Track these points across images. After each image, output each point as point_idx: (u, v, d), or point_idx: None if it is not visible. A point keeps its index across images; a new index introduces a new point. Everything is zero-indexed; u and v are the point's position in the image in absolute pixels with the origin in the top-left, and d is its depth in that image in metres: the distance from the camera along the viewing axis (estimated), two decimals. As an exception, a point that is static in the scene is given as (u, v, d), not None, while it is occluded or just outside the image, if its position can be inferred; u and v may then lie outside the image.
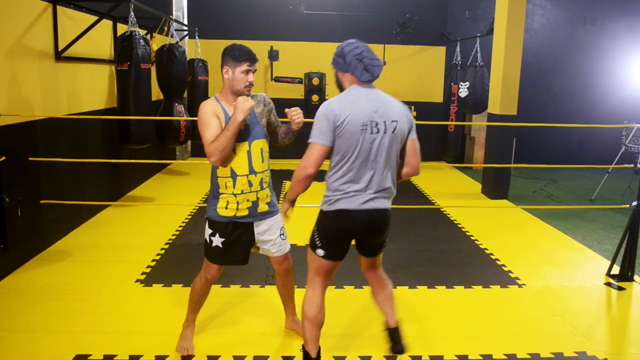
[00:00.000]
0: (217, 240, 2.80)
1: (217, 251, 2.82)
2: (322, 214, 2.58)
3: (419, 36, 9.36)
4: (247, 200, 2.77)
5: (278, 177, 8.07)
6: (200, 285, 2.94)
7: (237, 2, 9.22)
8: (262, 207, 2.83)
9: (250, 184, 2.75)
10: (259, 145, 2.78)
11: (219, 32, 9.08)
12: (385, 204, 2.54)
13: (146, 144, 5.49)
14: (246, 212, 2.78)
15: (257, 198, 2.80)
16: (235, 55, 2.65)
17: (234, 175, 2.72)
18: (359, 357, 3.00)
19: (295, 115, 2.81)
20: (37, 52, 4.48)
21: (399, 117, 2.50)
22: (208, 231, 2.83)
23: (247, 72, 2.67)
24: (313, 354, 2.65)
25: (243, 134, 2.70)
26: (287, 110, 2.83)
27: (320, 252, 2.59)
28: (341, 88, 2.60)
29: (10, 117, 4.02)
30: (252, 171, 2.74)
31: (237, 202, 2.75)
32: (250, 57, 2.67)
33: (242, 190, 2.74)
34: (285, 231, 3.03)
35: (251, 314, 3.48)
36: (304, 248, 4.74)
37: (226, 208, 2.76)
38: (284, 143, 2.99)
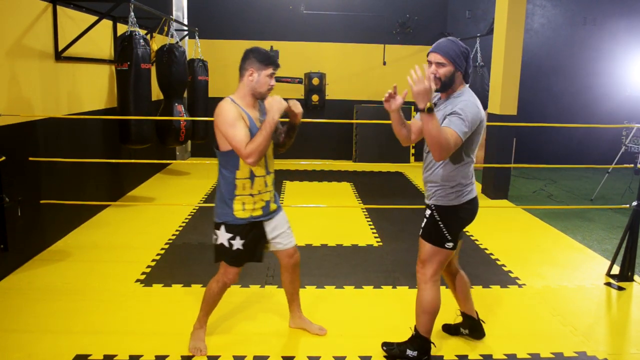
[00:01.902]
0: (238, 243, 2.80)
1: (239, 254, 2.83)
2: (453, 208, 2.72)
3: (419, 36, 9.36)
4: (262, 200, 2.82)
5: (278, 178, 8.09)
6: (217, 289, 2.94)
7: (237, 2, 9.22)
8: (272, 206, 2.90)
9: (266, 184, 2.81)
10: (271, 146, 2.84)
11: (219, 32, 9.08)
12: None
13: (146, 144, 5.49)
14: (260, 212, 2.83)
15: (270, 198, 2.86)
16: (262, 59, 2.69)
17: (252, 177, 2.74)
18: (359, 357, 2.99)
19: (292, 104, 2.78)
20: (37, 52, 4.48)
21: None
22: (226, 235, 2.80)
23: (271, 75, 2.72)
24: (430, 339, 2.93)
25: None
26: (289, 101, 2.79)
27: (450, 244, 2.75)
28: (450, 84, 2.64)
29: (10, 117, 4.02)
30: (267, 172, 2.81)
31: (254, 202, 2.78)
32: (275, 63, 2.73)
33: (259, 191, 2.78)
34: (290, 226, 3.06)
35: (251, 313, 3.48)
36: (305, 248, 4.77)
37: (243, 210, 2.77)
38: (282, 144, 2.97)
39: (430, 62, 2.65)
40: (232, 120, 2.61)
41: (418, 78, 2.39)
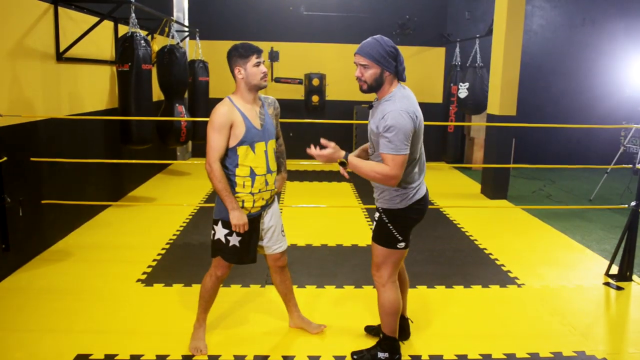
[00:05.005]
0: (235, 240, 2.83)
1: (234, 250, 2.85)
2: (400, 211, 2.69)
3: (419, 37, 9.38)
4: (262, 199, 2.85)
5: (278, 178, 8.11)
6: (211, 283, 2.97)
7: (238, 3, 9.24)
8: (270, 201, 2.95)
9: (267, 183, 2.84)
10: (272, 145, 2.88)
11: (220, 33, 9.10)
12: None
13: (147, 145, 5.50)
14: (258, 209, 2.87)
15: (270, 196, 2.90)
16: (242, 52, 2.72)
17: (253, 175, 2.76)
18: (359, 356, 3.01)
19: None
20: (39, 53, 4.50)
21: None
22: (222, 231, 2.83)
23: (258, 64, 2.73)
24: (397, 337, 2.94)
25: (261, 134, 2.78)
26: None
27: (402, 244, 2.75)
28: (378, 86, 2.62)
29: (12, 118, 4.03)
30: (268, 170, 2.83)
31: (254, 201, 2.81)
32: (256, 50, 2.74)
33: (259, 189, 2.81)
34: (284, 229, 3.08)
35: (251, 313, 3.50)
36: (305, 248, 4.79)
37: (242, 207, 2.80)
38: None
39: (355, 64, 2.62)
40: (218, 126, 2.66)
41: (315, 154, 2.56)
